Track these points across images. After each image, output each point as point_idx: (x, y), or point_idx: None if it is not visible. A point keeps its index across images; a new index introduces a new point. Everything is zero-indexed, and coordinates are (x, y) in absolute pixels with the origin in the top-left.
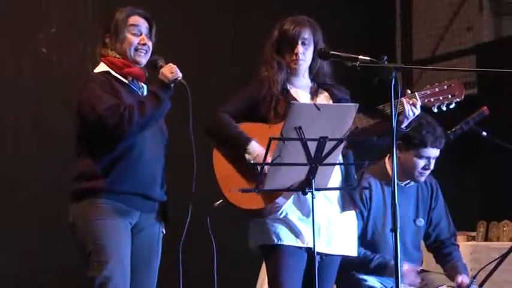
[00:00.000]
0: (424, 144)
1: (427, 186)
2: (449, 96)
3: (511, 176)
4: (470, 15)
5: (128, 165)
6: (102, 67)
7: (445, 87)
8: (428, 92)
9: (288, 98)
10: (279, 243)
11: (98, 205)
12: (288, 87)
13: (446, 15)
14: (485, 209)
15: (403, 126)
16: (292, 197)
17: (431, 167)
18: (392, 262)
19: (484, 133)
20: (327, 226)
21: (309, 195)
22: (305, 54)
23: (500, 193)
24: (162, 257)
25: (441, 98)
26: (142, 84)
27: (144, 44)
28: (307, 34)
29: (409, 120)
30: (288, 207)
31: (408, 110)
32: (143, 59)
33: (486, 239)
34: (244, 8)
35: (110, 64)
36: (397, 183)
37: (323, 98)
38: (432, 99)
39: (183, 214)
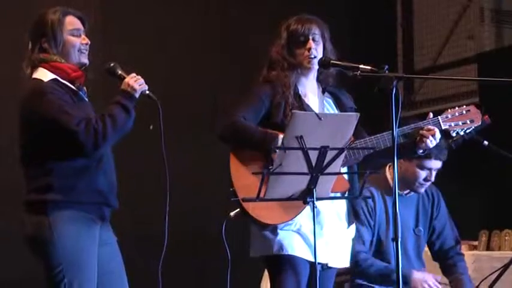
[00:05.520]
0: (429, 156)
1: (428, 195)
2: (468, 122)
3: None
4: (472, 24)
5: (91, 176)
6: (47, 74)
7: (464, 111)
8: (450, 115)
9: (301, 105)
10: (291, 254)
11: (66, 217)
12: (300, 92)
13: (447, 24)
14: (487, 218)
15: (421, 151)
16: (307, 209)
17: (433, 178)
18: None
19: (486, 142)
20: (334, 241)
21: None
22: (317, 51)
23: (502, 202)
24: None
25: (461, 123)
26: (84, 87)
27: (86, 44)
28: (317, 30)
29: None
30: (302, 220)
31: (429, 142)
32: (87, 59)
33: (488, 248)
34: (243, 11)
35: (55, 70)
36: (398, 193)
37: (331, 104)
38: (453, 124)
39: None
